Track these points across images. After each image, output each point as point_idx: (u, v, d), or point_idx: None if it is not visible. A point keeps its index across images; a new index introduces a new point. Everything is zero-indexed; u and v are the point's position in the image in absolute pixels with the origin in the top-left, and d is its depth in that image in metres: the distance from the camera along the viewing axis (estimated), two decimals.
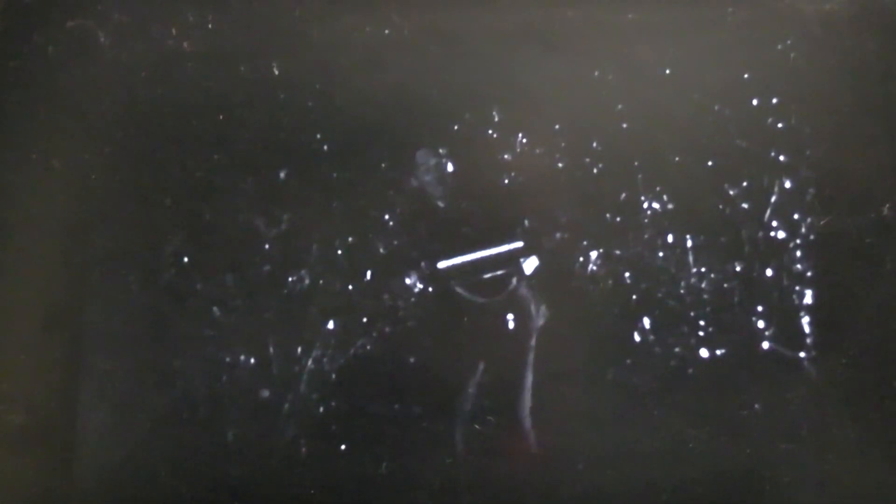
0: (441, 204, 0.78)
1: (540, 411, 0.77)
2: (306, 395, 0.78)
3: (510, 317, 0.78)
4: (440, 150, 0.79)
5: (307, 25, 0.81)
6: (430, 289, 0.78)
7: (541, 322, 0.77)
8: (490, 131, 0.78)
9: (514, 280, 0.78)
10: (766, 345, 0.76)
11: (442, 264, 0.78)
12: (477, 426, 0.77)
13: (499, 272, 0.78)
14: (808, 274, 0.76)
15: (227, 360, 0.78)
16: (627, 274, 0.77)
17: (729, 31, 0.78)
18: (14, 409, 0.79)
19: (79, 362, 0.79)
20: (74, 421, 0.79)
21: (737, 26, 0.78)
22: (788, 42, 0.78)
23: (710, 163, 0.77)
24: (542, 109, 0.78)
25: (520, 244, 0.78)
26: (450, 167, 0.79)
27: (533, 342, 0.77)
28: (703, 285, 0.77)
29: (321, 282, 0.78)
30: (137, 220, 0.80)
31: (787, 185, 0.77)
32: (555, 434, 0.77)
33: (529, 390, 0.77)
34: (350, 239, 0.78)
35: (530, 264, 0.78)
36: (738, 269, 0.77)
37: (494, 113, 0.78)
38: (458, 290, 0.78)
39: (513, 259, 0.78)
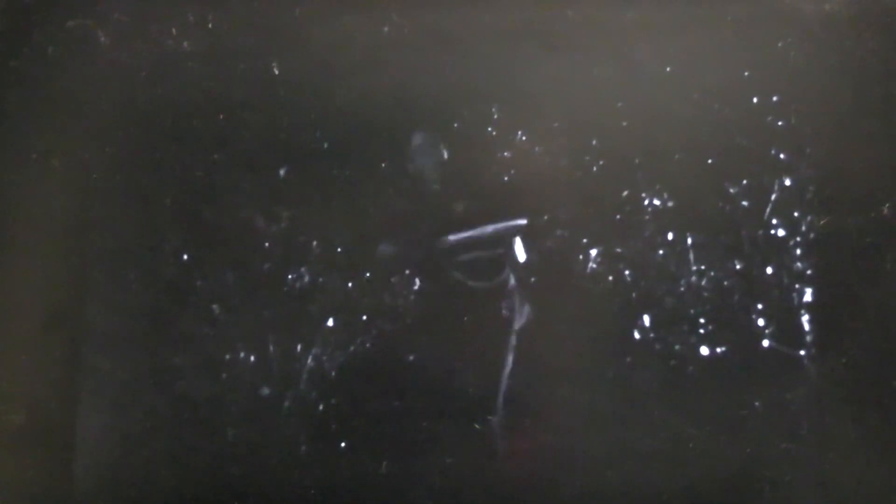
0: (441, 202, 0.78)
1: (540, 411, 0.77)
2: (306, 393, 0.78)
3: (511, 315, 0.78)
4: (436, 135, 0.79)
5: (307, 25, 0.81)
6: (431, 287, 0.78)
7: (542, 321, 0.77)
8: (490, 129, 0.78)
9: (517, 277, 0.78)
10: (766, 343, 0.76)
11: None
12: (477, 426, 0.77)
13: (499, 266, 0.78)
14: (809, 272, 0.76)
15: (227, 358, 0.78)
16: (627, 272, 0.77)
17: (729, 30, 0.78)
18: (14, 409, 0.79)
19: (79, 362, 0.79)
20: (74, 421, 0.79)
21: (737, 25, 0.78)
22: (788, 41, 0.78)
23: (710, 161, 0.77)
24: (542, 108, 0.78)
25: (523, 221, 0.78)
26: (449, 162, 0.79)
27: (534, 341, 0.77)
28: (703, 283, 0.77)
29: (321, 280, 0.78)
30: (137, 220, 0.80)
31: (788, 183, 0.77)
32: (554, 433, 0.77)
33: (529, 389, 0.77)
34: (350, 237, 0.78)
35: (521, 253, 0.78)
36: (738, 267, 0.77)
37: (494, 111, 0.78)
38: (456, 275, 0.78)
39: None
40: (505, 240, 0.78)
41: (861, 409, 0.76)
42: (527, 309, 0.77)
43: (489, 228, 0.78)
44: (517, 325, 0.77)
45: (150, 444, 0.79)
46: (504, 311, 0.78)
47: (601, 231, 0.77)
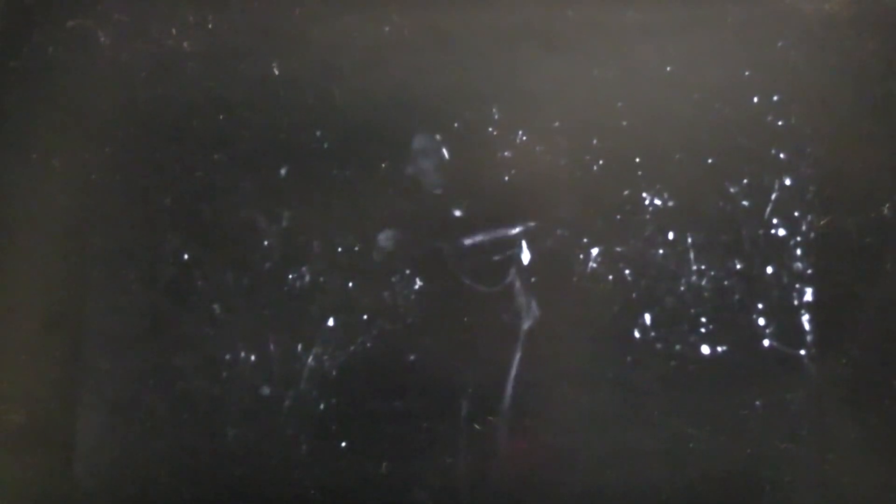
0: (441, 201, 0.78)
1: (540, 410, 0.77)
2: (307, 393, 0.78)
3: (511, 315, 0.78)
4: (437, 137, 0.79)
5: (307, 25, 0.81)
6: (432, 287, 0.78)
7: (541, 320, 0.77)
8: (490, 129, 0.78)
9: (516, 276, 0.78)
10: (766, 343, 0.76)
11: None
12: (477, 426, 0.77)
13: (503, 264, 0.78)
14: (809, 272, 0.76)
15: (228, 357, 0.78)
16: (628, 271, 0.77)
17: (729, 30, 0.78)
18: (14, 409, 0.79)
19: (79, 362, 0.79)
20: (74, 421, 0.79)
21: (737, 25, 0.78)
22: (789, 41, 0.78)
23: (710, 160, 0.77)
24: (543, 107, 0.78)
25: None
26: (450, 162, 0.79)
27: (533, 340, 0.77)
28: (704, 283, 0.77)
29: (321, 279, 0.78)
30: (137, 220, 0.80)
31: (788, 183, 0.77)
32: (554, 433, 0.77)
33: (529, 388, 0.77)
34: (350, 237, 0.78)
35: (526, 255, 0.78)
36: (738, 266, 0.77)
37: (494, 111, 0.78)
38: (463, 279, 0.78)
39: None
40: (513, 242, 0.78)
41: (861, 409, 0.76)
42: (528, 309, 0.77)
43: (501, 231, 0.78)
44: (523, 326, 0.78)
45: (150, 444, 0.79)
46: (504, 312, 0.78)
47: (602, 231, 0.77)
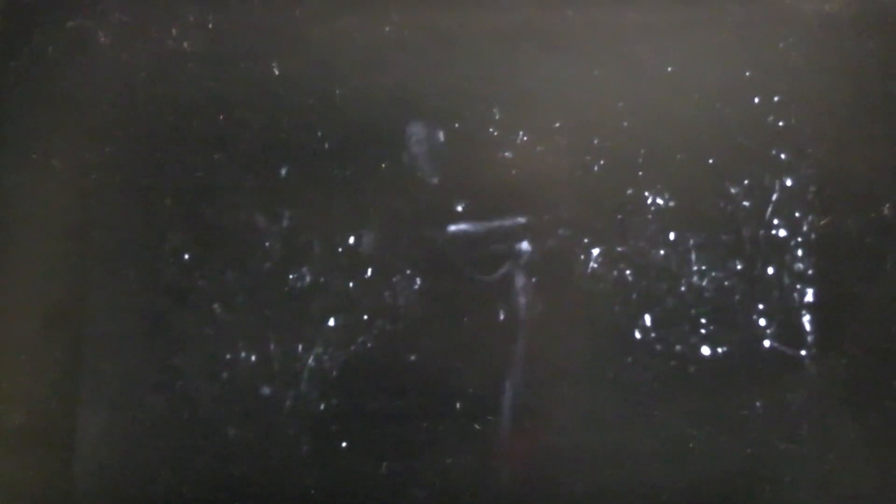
0: (442, 202, 0.78)
1: (540, 410, 0.77)
2: (307, 393, 0.78)
3: (511, 315, 0.78)
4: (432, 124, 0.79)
5: (307, 25, 0.81)
6: (432, 287, 0.78)
7: (542, 320, 0.77)
8: (491, 129, 0.78)
9: (517, 277, 0.78)
10: (767, 343, 0.76)
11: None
12: (477, 426, 0.77)
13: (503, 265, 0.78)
14: (809, 272, 0.76)
15: (228, 357, 0.78)
16: (628, 272, 0.77)
17: (729, 30, 0.78)
18: (14, 409, 0.79)
19: (79, 362, 0.79)
20: (74, 421, 0.79)
21: (737, 25, 0.78)
22: (789, 41, 0.78)
23: (711, 161, 0.77)
24: (543, 108, 0.78)
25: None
26: (450, 162, 0.79)
27: (534, 340, 0.77)
28: (705, 283, 0.77)
29: (322, 279, 0.78)
30: (137, 220, 0.80)
31: (789, 183, 0.77)
32: (554, 434, 0.77)
33: (529, 389, 0.77)
34: (351, 237, 0.78)
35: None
36: (739, 267, 0.77)
37: (495, 111, 0.78)
38: (464, 271, 0.78)
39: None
40: (513, 243, 0.78)
41: (861, 409, 0.76)
42: (528, 309, 0.77)
43: (502, 231, 0.78)
44: (524, 326, 0.77)
45: (150, 444, 0.79)
46: (505, 312, 0.78)
47: (602, 231, 0.77)
